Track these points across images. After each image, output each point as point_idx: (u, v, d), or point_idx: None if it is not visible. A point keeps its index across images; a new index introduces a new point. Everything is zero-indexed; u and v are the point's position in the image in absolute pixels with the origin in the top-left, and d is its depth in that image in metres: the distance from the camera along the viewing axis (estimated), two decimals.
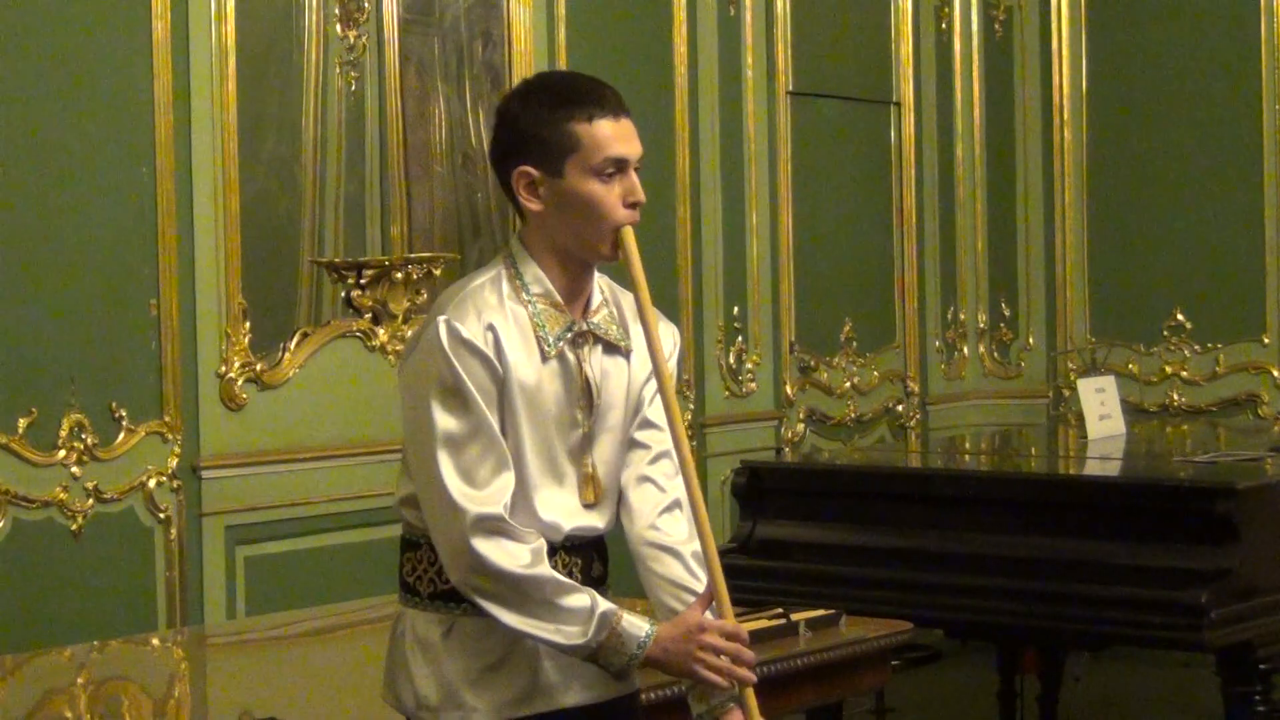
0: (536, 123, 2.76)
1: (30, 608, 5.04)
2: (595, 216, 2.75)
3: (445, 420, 2.69)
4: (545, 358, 2.75)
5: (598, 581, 2.84)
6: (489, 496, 2.68)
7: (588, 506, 2.80)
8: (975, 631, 5.96)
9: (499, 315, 2.73)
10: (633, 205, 2.77)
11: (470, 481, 2.68)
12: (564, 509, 2.78)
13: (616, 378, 2.83)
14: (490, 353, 2.71)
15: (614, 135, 2.75)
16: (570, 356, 2.78)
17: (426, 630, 2.79)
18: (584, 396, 2.79)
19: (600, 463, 2.81)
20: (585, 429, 2.79)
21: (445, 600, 2.77)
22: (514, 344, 2.73)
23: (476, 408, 2.69)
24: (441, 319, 2.71)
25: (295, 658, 4.58)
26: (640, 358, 2.84)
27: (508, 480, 2.71)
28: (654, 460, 2.85)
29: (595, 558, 2.85)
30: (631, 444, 2.85)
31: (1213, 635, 4.64)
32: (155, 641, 4.89)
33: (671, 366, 2.87)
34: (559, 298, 2.78)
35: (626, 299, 2.87)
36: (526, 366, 2.74)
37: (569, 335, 2.78)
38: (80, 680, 4.19)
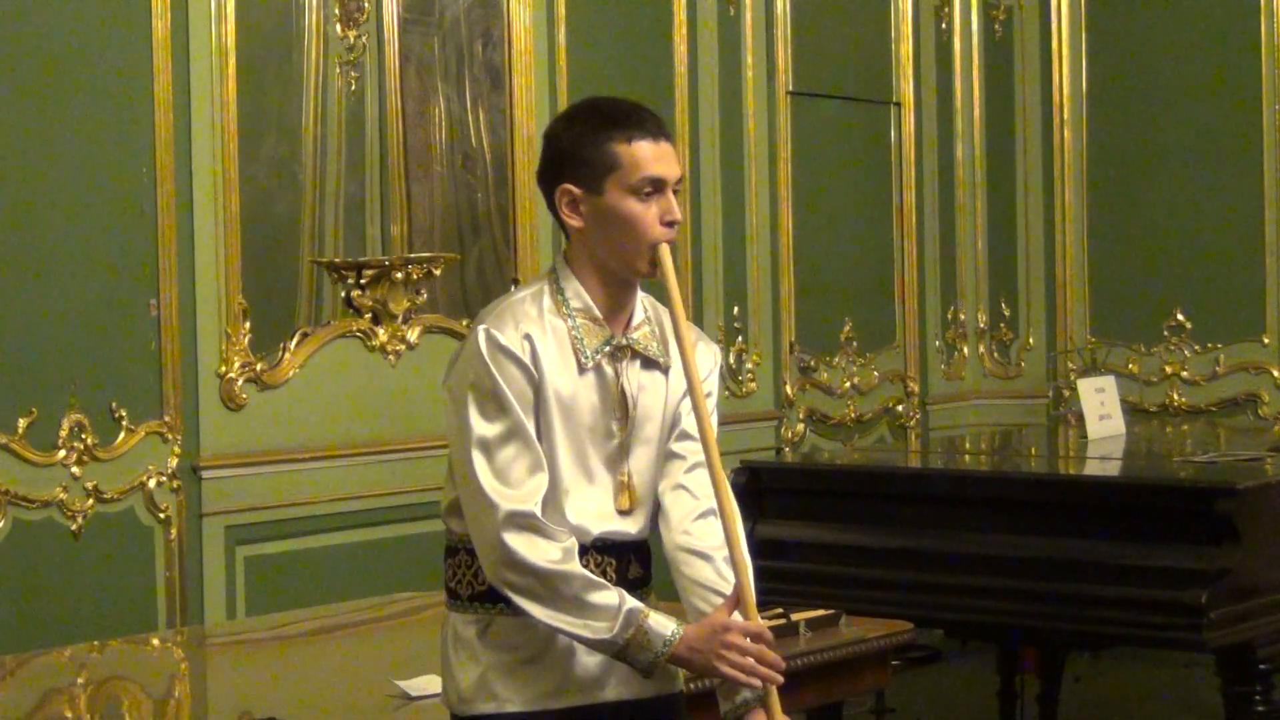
0: (579, 143, 2.88)
1: (30, 608, 5.05)
2: (633, 233, 2.86)
3: (481, 423, 2.82)
4: (582, 370, 2.87)
5: (637, 584, 2.92)
6: (522, 495, 2.80)
7: (622, 513, 2.90)
8: (975, 631, 5.96)
9: (537, 327, 2.85)
10: (669, 224, 2.88)
11: (504, 480, 2.80)
12: (595, 514, 2.88)
13: (653, 392, 2.93)
14: (526, 360, 2.82)
15: (652, 156, 2.87)
16: (608, 370, 2.89)
17: (465, 629, 2.90)
18: (620, 408, 2.89)
19: (636, 472, 2.91)
20: (620, 439, 2.89)
21: (483, 601, 2.87)
22: (550, 355, 2.85)
23: (512, 411, 2.81)
24: (481, 328, 2.85)
25: (295, 658, 4.58)
26: (679, 374, 2.93)
27: (541, 481, 2.82)
28: (689, 470, 2.95)
29: (634, 560, 2.93)
30: (669, 455, 2.95)
31: (1212, 635, 4.64)
32: (155, 641, 4.88)
33: (712, 384, 2.96)
34: (598, 313, 2.90)
35: (670, 317, 2.96)
36: (563, 377, 2.85)
37: (607, 349, 2.89)
38: (80, 680, 4.19)
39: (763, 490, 5.50)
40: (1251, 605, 4.75)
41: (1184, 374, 7.85)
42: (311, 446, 5.71)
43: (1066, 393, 7.90)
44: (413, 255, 5.98)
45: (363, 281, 5.85)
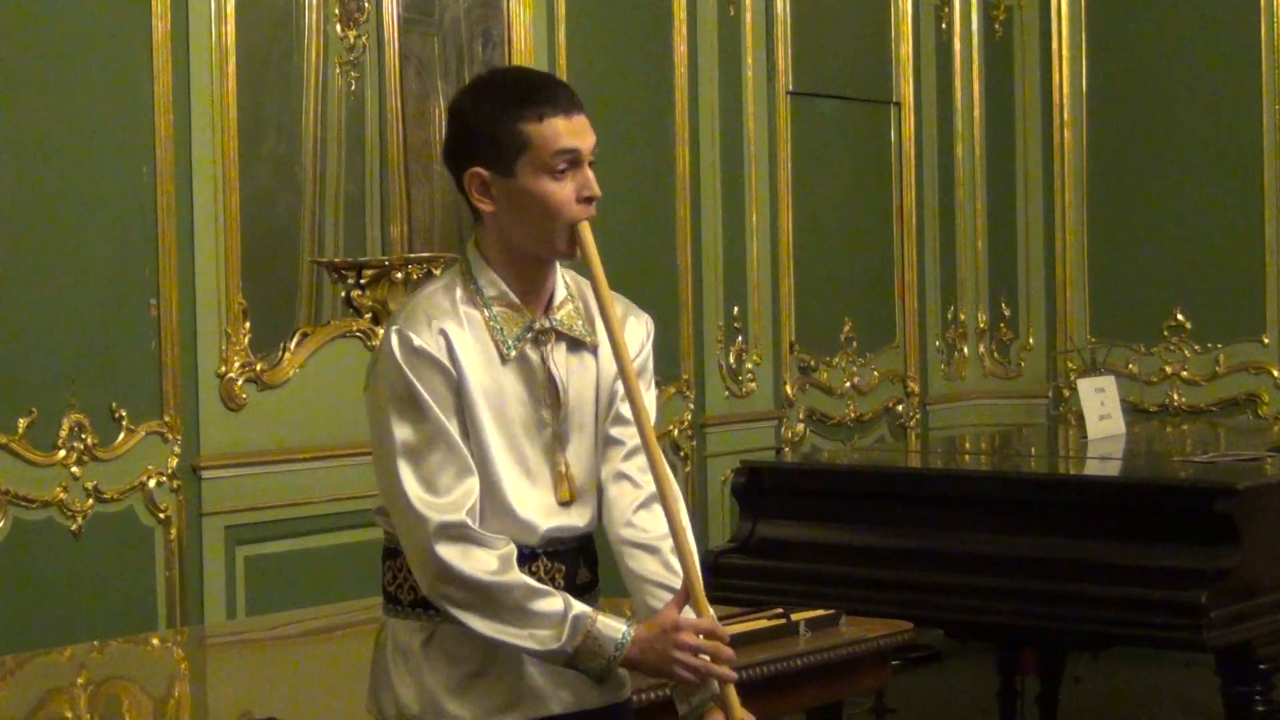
0: (487, 122, 2.72)
1: (30, 608, 5.04)
2: (549, 214, 2.71)
3: (403, 430, 2.67)
4: (505, 360, 2.73)
5: (585, 589, 2.80)
6: (450, 504, 2.65)
7: (564, 505, 2.77)
8: (975, 631, 5.97)
9: (452, 320, 2.71)
10: (587, 200, 2.74)
11: (431, 489, 2.66)
12: (538, 509, 2.74)
13: (583, 374, 2.80)
14: (444, 359, 2.68)
15: (564, 130, 2.71)
16: (533, 356, 2.75)
17: (408, 638, 2.76)
18: (549, 395, 2.76)
19: (574, 460, 2.78)
20: (554, 427, 2.76)
21: (425, 608, 2.73)
22: (469, 348, 2.70)
23: (433, 415, 2.67)
24: (394, 329, 2.71)
25: (295, 658, 4.58)
26: (609, 352, 2.78)
27: (471, 486, 2.68)
28: (628, 455, 2.81)
29: (581, 563, 2.81)
30: (607, 440, 2.81)
31: (1213, 635, 4.64)
32: (155, 641, 4.88)
33: (645, 357, 2.84)
34: (515, 298, 2.76)
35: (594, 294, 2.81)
36: (484, 370, 2.71)
37: (529, 335, 2.75)
38: (80, 680, 4.19)
39: (763, 490, 5.50)
40: (1251, 605, 4.75)
41: (1184, 374, 7.85)
42: (311, 446, 5.71)
43: (1066, 393, 7.90)
44: (413, 255, 5.98)
45: (363, 281, 5.85)
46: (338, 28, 5.92)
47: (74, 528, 5.14)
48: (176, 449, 5.38)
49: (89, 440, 5.17)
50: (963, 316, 8.20)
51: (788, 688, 3.97)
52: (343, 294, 5.87)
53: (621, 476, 2.80)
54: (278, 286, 5.78)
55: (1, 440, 4.99)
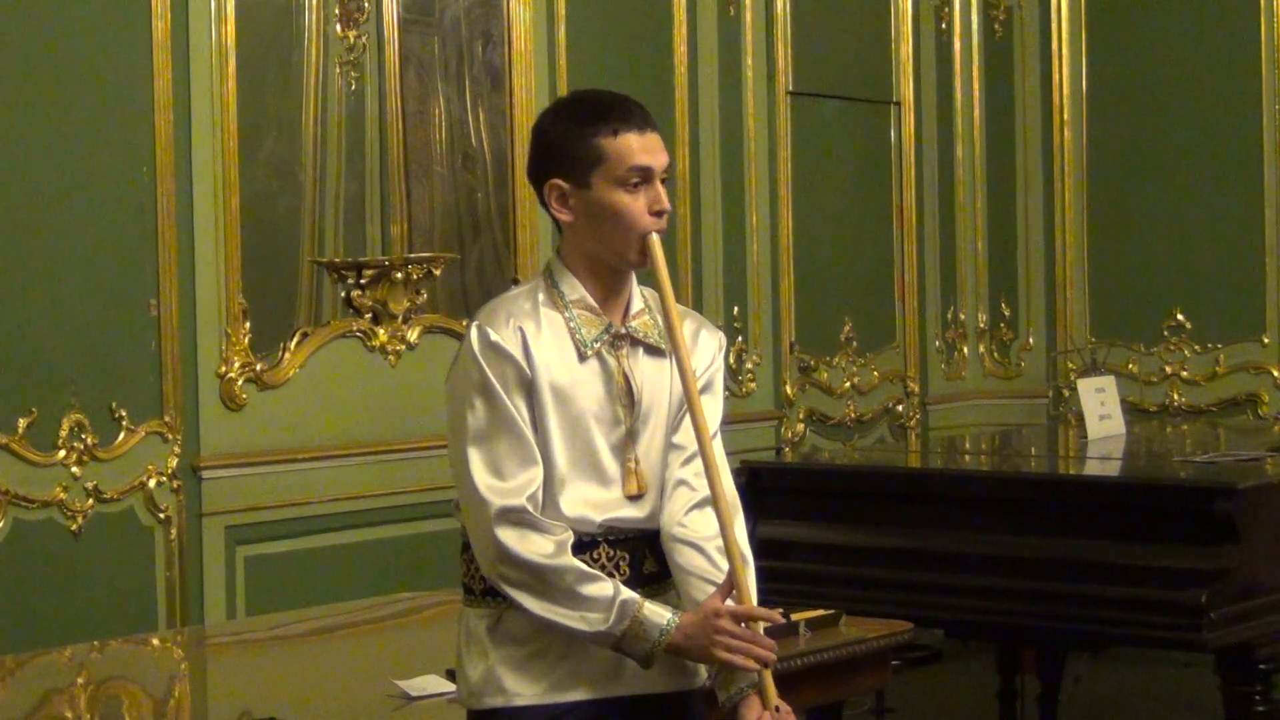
0: (566, 138, 2.91)
1: (30, 608, 5.05)
2: (622, 225, 2.89)
3: (475, 417, 2.84)
4: (583, 358, 2.89)
5: (652, 579, 2.93)
6: (513, 488, 2.82)
7: (632, 499, 2.91)
8: (975, 631, 5.97)
9: (531, 320, 2.88)
10: (658, 214, 2.92)
11: (497, 475, 2.83)
12: (598, 502, 2.88)
13: (659, 380, 2.95)
14: (518, 354, 2.85)
15: (639, 147, 2.90)
16: (609, 358, 2.91)
17: (477, 625, 2.92)
18: (625, 395, 2.91)
19: (643, 457, 2.92)
20: (627, 425, 2.91)
21: (494, 595, 2.88)
22: (546, 346, 2.87)
23: (502, 405, 2.83)
24: (474, 324, 2.89)
25: (295, 658, 4.58)
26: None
27: (534, 474, 2.84)
28: (687, 461, 2.96)
29: (647, 554, 2.94)
30: (670, 446, 2.96)
31: (1212, 635, 4.64)
32: (155, 641, 4.89)
33: (716, 370, 3.01)
34: (594, 303, 2.92)
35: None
36: (561, 367, 2.87)
37: (606, 337, 2.91)
38: (80, 680, 4.19)
39: (763, 490, 5.49)
40: (1251, 605, 4.75)
41: (1184, 374, 7.85)
42: (311, 446, 5.71)
43: (1066, 393, 7.90)
44: (413, 255, 5.98)
45: (363, 281, 5.85)
46: (338, 28, 5.92)
47: (74, 528, 5.14)
48: (176, 449, 5.38)
49: (89, 440, 5.18)
50: (963, 316, 8.20)
51: (788, 688, 3.95)
52: (343, 294, 5.88)
53: (680, 480, 2.96)
54: (278, 286, 5.78)
55: (1, 440, 5.00)
